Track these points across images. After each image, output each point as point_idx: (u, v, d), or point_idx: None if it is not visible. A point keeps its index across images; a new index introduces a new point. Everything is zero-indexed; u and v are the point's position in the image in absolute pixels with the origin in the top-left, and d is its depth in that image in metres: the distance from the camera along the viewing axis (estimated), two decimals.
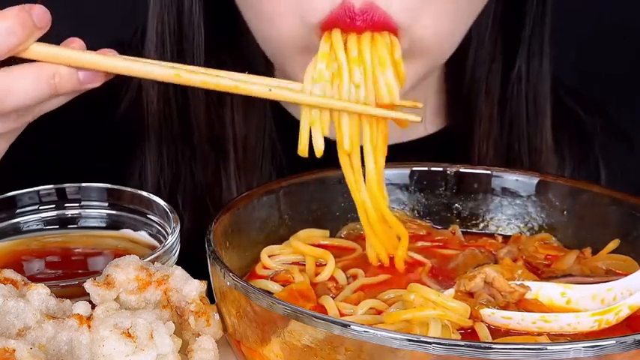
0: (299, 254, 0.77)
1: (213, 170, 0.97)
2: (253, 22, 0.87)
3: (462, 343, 0.54)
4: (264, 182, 0.96)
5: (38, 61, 0.67)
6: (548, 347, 0.54)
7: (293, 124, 1.01)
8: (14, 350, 0.56)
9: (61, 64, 0.67)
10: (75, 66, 0.68)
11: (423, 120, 1.03)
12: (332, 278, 0.74)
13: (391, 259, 0.77)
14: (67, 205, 0.81)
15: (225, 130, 0.97)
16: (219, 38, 0.95)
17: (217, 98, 0.96)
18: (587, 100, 1.15)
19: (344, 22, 0.76)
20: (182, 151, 0.97)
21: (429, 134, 1.06)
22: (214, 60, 0.93)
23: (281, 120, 1.01)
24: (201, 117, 0.96)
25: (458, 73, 1.02)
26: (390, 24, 0.77)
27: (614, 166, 1.10)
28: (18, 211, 0.79)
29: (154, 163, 0.97)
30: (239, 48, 0.96)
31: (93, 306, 0.61)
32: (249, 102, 0.98)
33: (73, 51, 0.68)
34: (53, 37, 0.68)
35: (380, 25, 0.76)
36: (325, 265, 0.75)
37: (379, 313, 0.68)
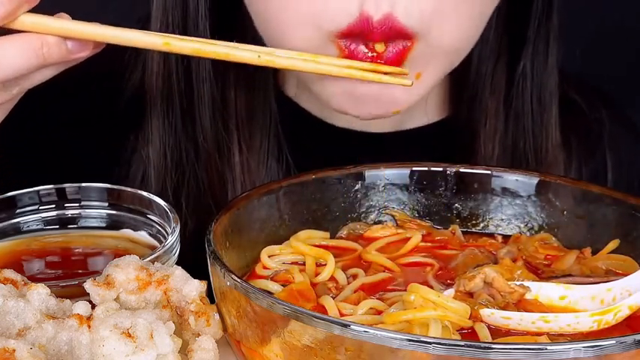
0: (299, 254, 0.77)
1: (218, 173, 0.97)
2: (266, 31, 0.86)
3: (462, 343, 0.54)
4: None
5: (26, 32, 0.67)
6: (548, 347, 0.54)
7: (299, 123, 1.01)
8: (14, 350, 0.56)
9: (50, 34, 0.67)
10: (64, 36, 0.67)
11: (424, 108, 1.03)
12: (332, 278, 0.74)
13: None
14: (67, 205, 0.81)
15: (230, 130, 0.96)
16: (224, 38, 0.95)
17: (221, 98, 0.96)
18: (593, 90, 1.14)
19: (361, 33, 0.76)
20: (186, 153, 0.97)
21: (430, 123, 1.05)
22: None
23: (287, 119, 1.00)
24: (205, 118, 0.96)
25: (462, 69, 1.02)
26: (407, 33, 0.77)
27: (621, 157, 1.10)
28: (18, 211, 0.79)
29: (158, 167, 0.97)
30: None
31: (93, 306, 0.61)
32: (254, 102, 0.97)
33: (62, 20, 0.68)
34: None
35: (396, 33, 0.76)
36: (325, 265, 0.75)
37: (379, 313, 0.68)
